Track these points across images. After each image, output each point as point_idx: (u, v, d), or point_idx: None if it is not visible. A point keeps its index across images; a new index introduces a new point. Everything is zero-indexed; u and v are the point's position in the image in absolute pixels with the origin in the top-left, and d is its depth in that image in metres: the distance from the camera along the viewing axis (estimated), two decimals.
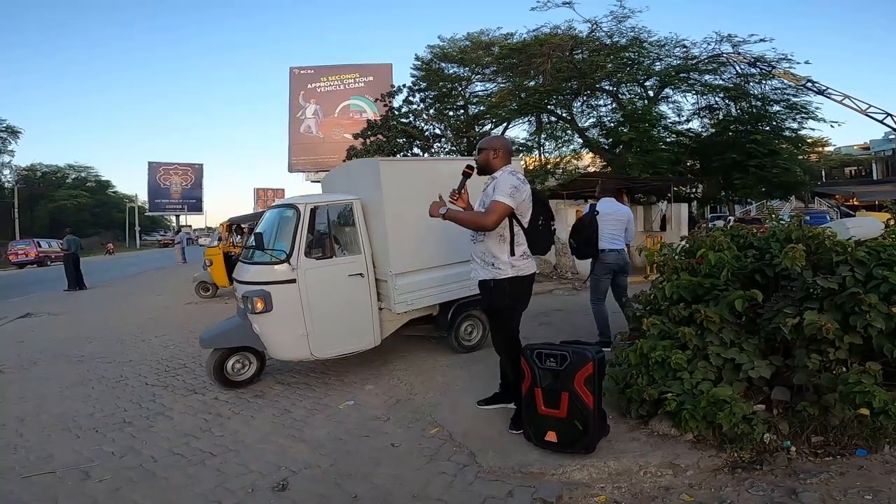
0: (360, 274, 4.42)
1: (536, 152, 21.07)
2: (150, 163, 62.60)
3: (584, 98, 19.51)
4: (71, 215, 48.31)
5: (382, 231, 4.37)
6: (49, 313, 9.70)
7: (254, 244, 4.19)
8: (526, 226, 3.14)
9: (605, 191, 5.41)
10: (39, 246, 29.01)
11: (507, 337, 3.25)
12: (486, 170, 3.28)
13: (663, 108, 19.01)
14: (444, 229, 4.50)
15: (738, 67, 17.53)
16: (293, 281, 4.16)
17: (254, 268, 4.42)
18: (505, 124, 21.97)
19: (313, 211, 4.35)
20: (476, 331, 5.22)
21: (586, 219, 5.07)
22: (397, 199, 4.34)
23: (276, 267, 4.21)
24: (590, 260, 5.19)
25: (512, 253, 3.11)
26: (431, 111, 25.83)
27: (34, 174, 55.27)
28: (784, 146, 17.13)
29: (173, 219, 67.38)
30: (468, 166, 3.29)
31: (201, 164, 66.00)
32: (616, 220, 5.15)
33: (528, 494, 2.48)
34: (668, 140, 18.36)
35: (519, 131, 44.92)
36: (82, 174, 60.55)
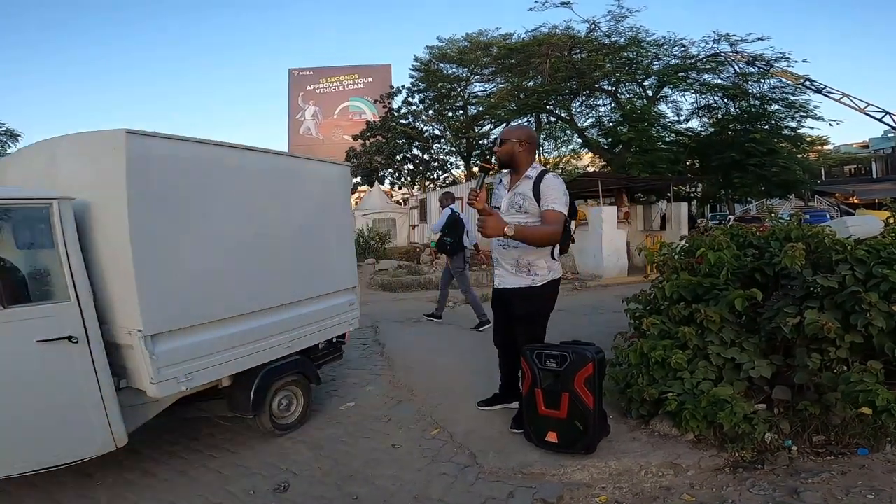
0: (69, 338, 2.45)
1: (536, 152, 21.09)
2: None
3: (583, 98, 19.57)
4: None
5: (123, 258, 2.50)
6: None
7: None
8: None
9: (450, 201, 6.65)
10: None
11: (538, 342, 3.07)
12: (510, 164, 3.00)
13: (662, 107, 19.09)
14: (251, 258, 3.14)
15: (736, 66, 17.58)
16: None
17: None
18: (504, 125, 21.99)
19: None
20: (295, 403, 3.51)
21: (456, 219, 6.32)
22: (156, 204, 2.60)
23: None
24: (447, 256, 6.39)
25: (552, 256, 3.01)
26: (430, 112, 25.92)
27: None
28: (783, 145, 17.18)
29: None
30: (486, 161, 3.08)
31: None
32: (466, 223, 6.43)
33: (529, 495, 2.48)
34: (667, 139, 18.40)
35: None
36: None
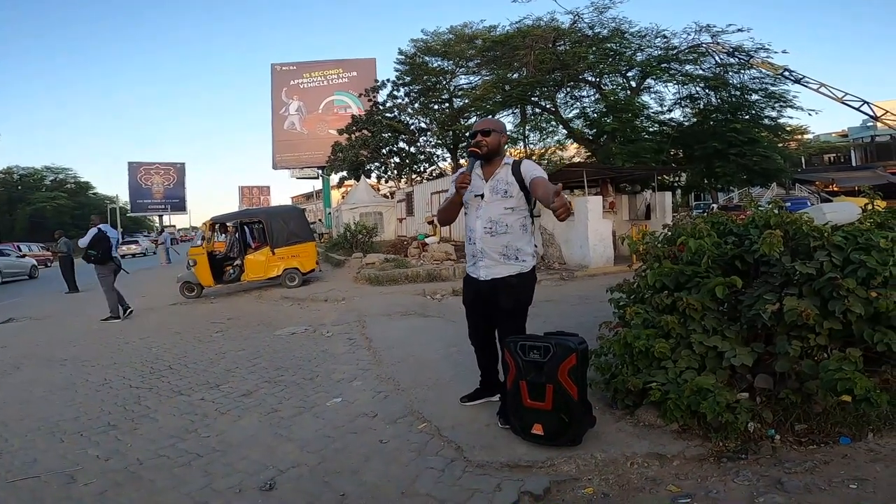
0: None
1: (521, 144, 21.09)
2: (129, 163, 61.74)
3: (568, 89, 19.56)
4: (50, 218, 47.40)
5: None
6: (32, 318, 9.54)
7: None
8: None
9: (98, 221, 8.42)
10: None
11: (522, 333, 3.07)
12: (493, 154, 3.03)
13: (645, 98, 19.16)
14: None
15: (717, 57, 17.72)
16: None
17: None
18: (490, 117, 21.84)
19: None
20: None
21: (102, 236, 8.16)
22: None
23: None
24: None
25: (532, 243, 3.07)
26: (416, 105, 25.77)
27: (11, 177, 54.12)
28: (763, 134, 17.37)
29: (156, 219, 66.48)
30: (476, 145, 2.99)
31: (183, 164, 65.38)
32: (111, 239, 8.42)
33: (516, 488, 2.48)
34: (650, 130, 18.50)
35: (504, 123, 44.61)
36: (60, 176, 59.41)
